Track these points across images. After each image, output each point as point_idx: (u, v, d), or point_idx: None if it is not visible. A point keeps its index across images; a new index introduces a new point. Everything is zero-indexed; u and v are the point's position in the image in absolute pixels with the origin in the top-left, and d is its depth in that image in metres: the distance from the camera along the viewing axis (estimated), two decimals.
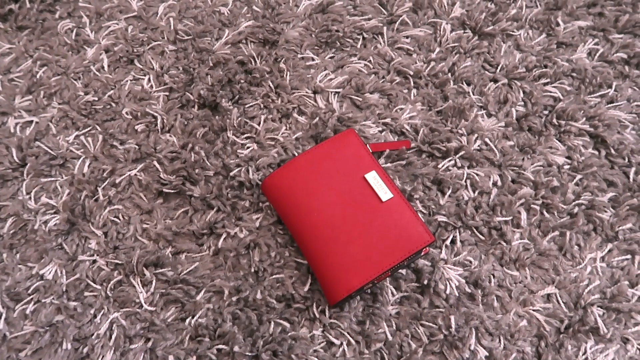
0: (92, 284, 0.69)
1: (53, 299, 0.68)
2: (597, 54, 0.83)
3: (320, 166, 0.69)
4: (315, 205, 0.67)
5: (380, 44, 0.85)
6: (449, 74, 0.82)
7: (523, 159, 0.75)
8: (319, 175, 0.68)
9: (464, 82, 0.81)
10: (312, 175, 0.68)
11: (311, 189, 0.68)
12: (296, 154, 0.75)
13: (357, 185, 0.67)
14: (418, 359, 0.63)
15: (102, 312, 0.68)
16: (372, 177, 0.67)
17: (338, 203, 0.66)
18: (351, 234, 0.64)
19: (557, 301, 0.67)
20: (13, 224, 0.73)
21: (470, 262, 0.69)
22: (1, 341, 0.66)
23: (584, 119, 0.77)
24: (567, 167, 0.75)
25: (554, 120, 0.77)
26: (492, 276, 0.68)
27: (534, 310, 0.66)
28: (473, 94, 0.80)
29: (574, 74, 0.81)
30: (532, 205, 0.71)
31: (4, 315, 0.67)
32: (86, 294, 0.69)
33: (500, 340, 0.65)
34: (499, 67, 0.82)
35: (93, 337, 0.66)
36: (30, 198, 0.74)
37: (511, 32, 0.85)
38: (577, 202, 0.72)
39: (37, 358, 0.65)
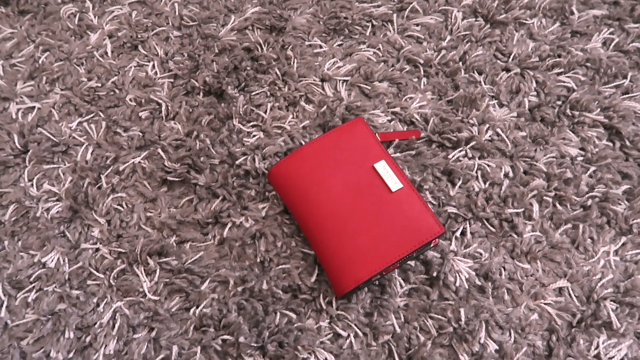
0: (95, 272, 0.68)
1: (55, 287, 0.67)
2: (612, 44, 0.81)
3: (328, 155, 0.67)
4: (322, 195, 0.65)
5: (390, 31, 0.83)
6: (460, 63, 0.80)
7: (535, 150, 0.73)
8: (327, 164, 0.67)
9: (476, 71, 0.79)
10: (320, 165, 0.67)
11: (318, 178, 0.66)
12: (303, 143, 0.74)
13: (366, 175, 0.65)
14: (427, 352, 0.62)
15: (105, 301, 0.66)
16: (382, 167, 0.65)
17: (346, 193, 0.65)
18: (359, 224, 0.63)
19: (569, 295, 0.66)
20: (15, 211, 0.72)
21: (481, 254, 0.67)
22: (3, 329, 0.65)
23: (599, 109, 0.75)
24: (580, 158, 0.73)
25: (568, 111, 0.75)
26: (502, 269, 0.67)
27: (545, 303, 0.65)
28: (484, 84, 0.78)
29: (589, 64, 0.79)
30: (544, 197, 0.70)
31: (5, 304, 0.66)
32: (89, 282, 0.67)
33: (510, 333, 0.63)
34: (511, 56, 0.80)
35: (96, 326, 0.65)
36: (32, 185, 0.73)
37: (524, 21, 0.83)
38: (590, 194, 0.70)
39: (39, 346, 0.64)
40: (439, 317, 0.64)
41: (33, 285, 0.67)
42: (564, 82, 0.78)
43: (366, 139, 0.68)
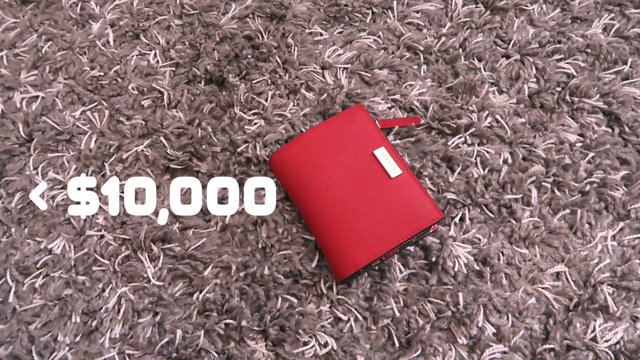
0: (100, 258, 0.69)
1: (62, 273, 0.68)
2: (613, 30, 0.80)
3: (328, 142, 0.68)
4: (322, 182, 0.66)
5: (390, 18, 0.83)
6: (460, 50, 0.80)
7: (534, 137, 0.74)
8: (327, 151, 0.68)
9: (475, 58, 0.80)
10: (320, 151, 0.68)
11: (319, 165, 0.67)
12: (304, 130, 0.75)
13: (366, 162, 0.66)
14: (425, 335, 0.63)
15: (110, 287, 0.68)
16: (381, 154, 0.66)
17: (346, 179, 0.65)
18: (359, 210, 0.64)
19: (567, 279, 0.66)
20: (21, 198, 0.73)
21: (479, 239, 0.68)
22: (11, 314, 0.67)
23: (598, 95, 0.75)
24: (579, 144, 0.73)
25: (567, 97, 0.76)
26: (501, 254, 0.68)
27: (542, 288, 0.66)
28: (484, 70, 0.78)
29: (589, 50, 0.79)
30: (542, 183, 0.70)
31: (13, 289, 0.68)
32: (94, 268, 0.69)
33: (508, 317, 0.64)
34: (511, 43, 0.80)
35: (102, 310, 0.67)
36: (37, 173, 0.74)
37: (524, 7, 0.83)
38: (588, 180, 0.71)
39: (46, 331, 0.66)
40: (438, 301, 0.65)
41: (40, 271, 0.69)
42: (564, 68, 0.78)
43: (366, 126, 0.69)
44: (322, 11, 0.84)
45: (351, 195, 0.65)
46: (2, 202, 0.73)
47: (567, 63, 0.78)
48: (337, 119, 0.70)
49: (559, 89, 0.77)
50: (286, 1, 0.84)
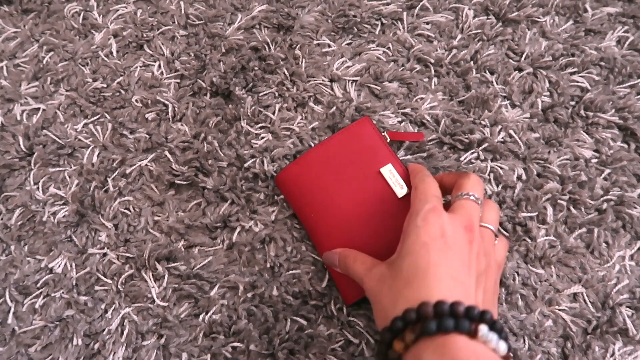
0: (102, 277, 0.67)
1: (63, 293, 0.66)
2: (627, 42, 0.79)
3: (334, 160, 0.66)
4: (328, 202, 0.64)
5: (400, 30, 0.81)
6: (472, 62, 0.78)
7: (549, 152, 0.72)
8: (333, 169, 0.66)
9: (487, 71, 0.78)
10: (325, 170, 0.66)
11: (324, 184, 0.65)
12: (312, 145, 0.73)
13: (372, 180, 0.64)
14: None
15: (113, 307, 0.66)
16: (388, 171, 0.64)
17: (352, 199, 0.64)
18: (366, 231, 0.62)
19: (584, 301, 0.65)
20: (21, 215, 0.71)
21: None
22: (10, 336, 0.65)
23: (613, 110, 0.74)
24: (594, 160, 0.72)
25: (582, 112, 0.74)
26: (516, 274, 0.66)
27: (559, 309, 0.64)
28: (497, 84, 0.77)
29: (602, 63, 0.78)
30: (558, 201, 0.69)
31: (12, 309, 0.66)
32: (97, 288, 0.67)
33: (524, 340, 0.62)
34: (523, 55, 0.78)
35: (104, 332, 0.64)
36: (38, 188, 0.72)
37: (537, 19, 0.81)
38: (605, 197, 0.69)
39: (47, 354, 0.64)
40: None
41: (40, 291, 0.67)
42: (578, 82, 0.76)
43: (372, 141, 0.67)
44: (330, 22, 0.82)
45: (358, 216, 0.63)
46: (2, 219, 0.71)
47: (581, 76, 0.77)
48: (343, 134, 0.68)
49: (572, 103, 0.75)
50: (293, 12, 0.82)
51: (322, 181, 0.65)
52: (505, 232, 0.68)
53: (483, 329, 0.40)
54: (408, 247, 0.48)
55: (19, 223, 0.70)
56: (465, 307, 0.41)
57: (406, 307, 0.43)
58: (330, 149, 0.67)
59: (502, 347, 0.41)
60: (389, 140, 0.68)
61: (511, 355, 0.44)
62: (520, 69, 0.78)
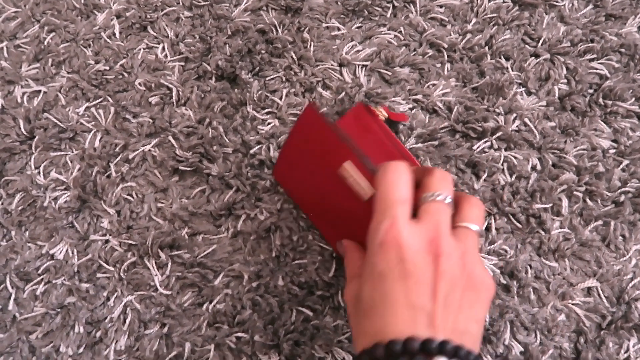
0: (104, 265, 0.66)
1: (64, 279, 0.65)
2: None
3: (300, 162, 0.58)
4: (318, 196, 0.59)
5: (412, 13, 0.78)
6: (486, 48, 0.75)
7: (565, 142, 0.70)
8: (304, 173, 0.58)
9: (502, 57, 0.75)
10: (299, 174, 0.59)
11: (307, 180, 0.59)
12: None
13: (336, 185, 0.52)
14: None
15: (115, 295, 0.64)
16: (348, 171, 0.50)
17: (333, 193, 0.55)
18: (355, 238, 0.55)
19: (599, 295, 0.63)
20: (22, 199, 0.69)
21: (506, 251, 0.64)
22: (11, 322, 0.64)
23: (633, 99, 0.71)
24: (612, 151, 0.69)
25: (600, 100, 0.71)
26: (529, 267, 0.64)
27: (573, 304, 0.62)
28: (512, 70, 0.74)
29: (623, 50, 0.75)
30: (574, 192, 0.66)
31: (13, 296, 0.64)
32: (99, 275, 0.65)
33: (536, 335, 0.61)
34: (540, 41, 0.75)
35: (106, 320, 0.63)
36: (39, 173, 0.70)
37: (555, 2, 0.78)
38: (623, 189, 0.66)
39: (48, 341, 0.62)
40: None
41: (41, 277, 0.65)
42: (597, 69, 0.73)
43: (322, 134, 0.53)
44: (339, 4, 0.79)
45: (343, 209, 0.55)
46: (2, 204, 0.69)
47: (600, 63, 0.74)
48: (295, 133, 0.57)
49: (591, 91, 0.73)
50: None
51: (303, 185, 0.60)
52: (518, 224, 0.66)
53: None
54: (365, 274, 0.43)
55: (20, 208, 0.69)
56: (421, 342, 0.37)
57: (365, 343, 0.40)
58: (292, 152, 0.59)
59: None
60: (386, 117, 0.59)
61: None
62: (536, 55, 0.75)
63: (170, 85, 0.74)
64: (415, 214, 0.44)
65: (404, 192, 0.44)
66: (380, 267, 0.42)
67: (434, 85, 0.74)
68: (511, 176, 0.68)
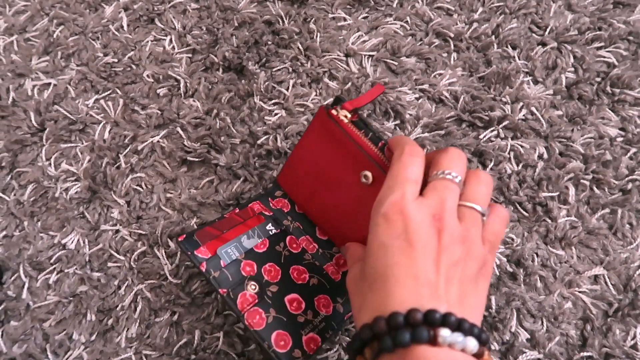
0: (115, 254, 0.67)
1: (76, 269, 0.66)
2: None
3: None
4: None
5: (418, 3, 0.78)
6: (493, 37, 0.75)
7: (572, 130, 0.69)
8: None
9: (509, 46, 0.75)
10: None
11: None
12: None
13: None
14: None
15: (126, 284, 0.65)
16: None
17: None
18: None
19: (605, 283, 0.63)
20: (33, 191, 0.70)
21: (513, 239, 0.65)
22: (25, 311, 0.65)
23: None
24: (620, 139, 0.69)
25: (608, 89, 0.71)
26: (535, 255, 0.64)
27: (579, 291, 0.62)
28: (519, 59, 0.74)
29: (631, 38, 0.74)
30: (581, 181, 0.66)
31: (26, 285, 0.66)
32: (109, 264, 0.66)
33: (543, 322, 0.61)
34: (547, 29, 0.75)
35: (117, 308, 0.64)
36: (50, 164, 0.71)
37: None
38: (630, 177, 0.66)
39: (61, 329, 0.64)
40: None
41: (54, 266, 0.66)
42: (604, 57, 0.73)
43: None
44: None
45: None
46: (15, 195, 0.70)
47: (608, 51, 0.73)
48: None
49: (598, 79, 0.72)
50: None
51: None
52: (525, 213, 0.66)
53: (443, 333, 0.36)
54: (369, 247, 0.43)
55: (32, 199, 0.70)
56: (424, 312, 0.37)
57: (366, 318, 0.40)
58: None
59: (471, 344, 0.37)
60: (349, 117, 0.53)
61: (487, 348, 0.40)
62: (543, 44, 0.75)
63: (178, 77, 0.75)
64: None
65: (415, 173, 0.44)
66: (383, 238, 0.41)
67: (440, 74, 0.74)
68: (518, 165, 0.68)
